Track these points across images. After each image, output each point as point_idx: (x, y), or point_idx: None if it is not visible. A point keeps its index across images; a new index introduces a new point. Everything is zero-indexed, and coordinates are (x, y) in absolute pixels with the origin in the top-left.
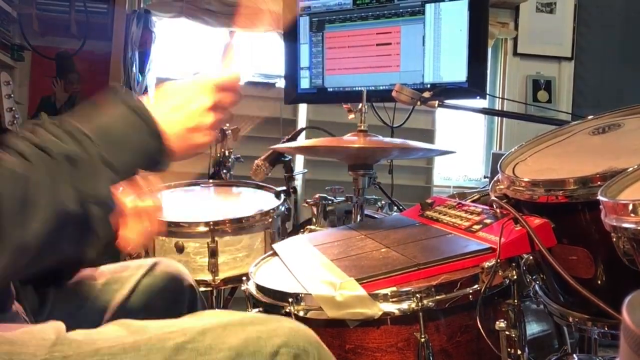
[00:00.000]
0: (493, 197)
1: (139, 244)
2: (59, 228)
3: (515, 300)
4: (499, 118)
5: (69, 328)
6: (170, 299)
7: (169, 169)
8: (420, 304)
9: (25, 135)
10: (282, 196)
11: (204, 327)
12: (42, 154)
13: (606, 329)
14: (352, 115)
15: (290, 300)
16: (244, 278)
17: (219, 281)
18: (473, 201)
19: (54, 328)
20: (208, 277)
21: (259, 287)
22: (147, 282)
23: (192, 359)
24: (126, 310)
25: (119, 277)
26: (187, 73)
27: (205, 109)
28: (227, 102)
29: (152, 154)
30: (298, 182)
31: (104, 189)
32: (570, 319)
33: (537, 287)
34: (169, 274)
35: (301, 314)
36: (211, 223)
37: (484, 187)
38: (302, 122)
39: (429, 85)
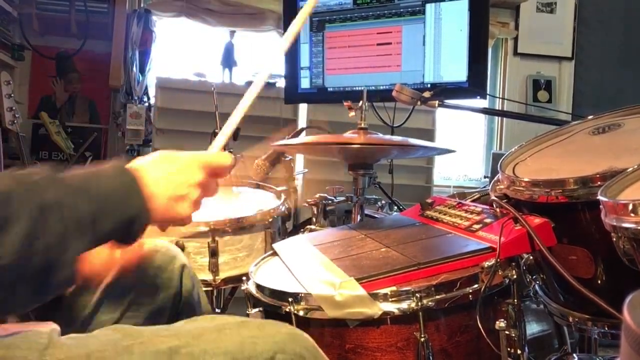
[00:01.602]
0: (493, 197)
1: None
2: (19, 272)
3: (515, 300)
4: (499, 118)
5: (59, 309)
6: (162, 278)
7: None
8: (420, 303)
9: (16, 174)
10: (283, 196)
11: (199, 331)
12: (29, 191)
13: (606, 328)
14: (352, 113)
15: (290, 299)
16: (244, 278)
17: (219, 281)
18: (473, 201)
19: (47, 332)
20: (208, 277)
21: (259, 287)
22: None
23: None
24: (116, 289)
25: None
26: (187, 72)
27: (195, 183)
28: (214, 182)
29: (132, 227)
30: (298, 182)
31: (75, 251)
32: (570, 319)
33: (537, 287)
34: (159, 251)
35: (301, 313)
36: (211, 223)
37: (484, 187)
38: (302, 122)
39: (429, 85)
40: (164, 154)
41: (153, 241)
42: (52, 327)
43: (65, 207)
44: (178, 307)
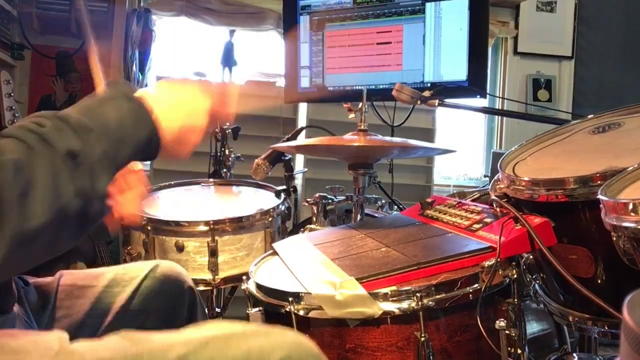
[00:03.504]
0: (493, 196)
1: (134, 214)
2: (59, 222)
3: (516, 300)
4: (499, 117)
5: (71, 331)
6: (171, 301)
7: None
8: (420, 303)
9: (29, 125)
10: (282, 195)
11: (206, 338)
12: (44, 145)
13: (606, 328)
14: (352, 115)
15: (290, 299)
16: (244, 277)
17: (219, 280)
18: (473, 200)
19: (57, 338)
20: (208, 276)
21: (259, 286)
22: (147, 284)
23: None
24: (127, 313)
25: (120, 280)
26: (187, 72)
27: (204, 110)
28: (222, 109)
29: (148, 149)
30: (298, 181)
31: (104, 186)
32: (571, 318)
33: (537, 286)
34: (169, 276)
35: (301, 313)
36: (211, 222)
37: (484, 186)
38: (302, 121)
39: (429, 84)
40: (166, 84)
41: (163, 264)
42: (61, 334)
43: (85, 152)
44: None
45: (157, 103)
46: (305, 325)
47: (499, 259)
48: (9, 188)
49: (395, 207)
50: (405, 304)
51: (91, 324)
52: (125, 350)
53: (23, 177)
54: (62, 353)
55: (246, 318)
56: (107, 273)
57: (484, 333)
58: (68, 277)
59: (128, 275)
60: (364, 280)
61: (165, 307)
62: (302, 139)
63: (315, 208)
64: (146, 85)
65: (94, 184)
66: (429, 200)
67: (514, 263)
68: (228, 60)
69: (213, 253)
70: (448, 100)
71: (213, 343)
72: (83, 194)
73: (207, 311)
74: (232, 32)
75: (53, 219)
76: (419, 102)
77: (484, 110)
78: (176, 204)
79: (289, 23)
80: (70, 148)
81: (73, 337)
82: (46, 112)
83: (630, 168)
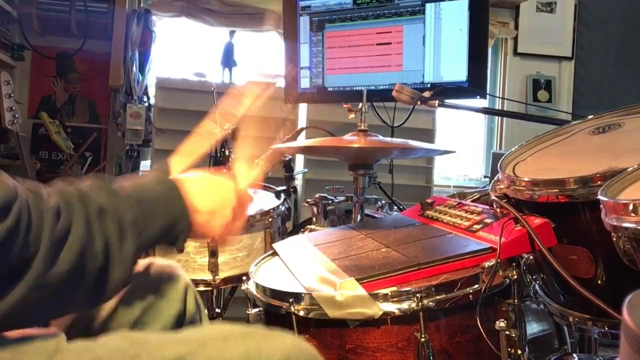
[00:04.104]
0: (493, 197)
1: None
2: (78, 274)
3: (516, 300)
4: (499, 118)
5: (65, 327)
6: (166, 297)
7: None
8: (420, 303)
9: (67, 183)
10: (282, 196)
11: (204, 339)
12: (83, 199)
13: (606, 328)
14: (352, 115)
15: (290, 300)
16: (244, 278)
17: (219, 281)
18: (473, 201)
19: (54, 337)
20: (208, 276)
21: (259, 287)
22: (142, 281)
23: None
24: (122, 309)
25: None
26: (187, 72)
27: (231, 204)
28: (240, 209)
29: (176, 231)
30: (298, 182)
31: (128, 251)
32: (571, 319)
33: (537, 287)
34: (165, 273)
35: (301, 313)
36: None
37: (484, 187)
38: (302, 122)
39: (429, 85)
40: (202, 174)
41: (159, 261)
42: (58, 333)
43: (117, 211)
44: (181, 327)
45: (191, 184)
46: (305, 325)
47: (499, 260)
48: (48, 233)
49: (395, 207)
50: (405, 305)
51: (85, 320)
52: (124, 351)
53: (62, 225)
54: (59, 352)
55: (246, 318)
56: None
57: (484, 334)
58: None
59: None
60: (364, 281)
61: (160, 303)
62: (302, 140)
63: (315, 208)
64: (146, 87)
65: (121, 244)
66: (429, 200)
67: (514, 264)
68: (228, 60)
69: (213, 253)
70: (448, 101)
71: (211, 344)
72: (109, 251)
73: (207, 311)
74: (232, 33)
75: (75, 269)
76: (419, 102)
77: (484, 110)
78: None
79: (288, 24)
80: (100, 204)
81: (68, 333)
82: (85, 181)
83: (630, 168)
